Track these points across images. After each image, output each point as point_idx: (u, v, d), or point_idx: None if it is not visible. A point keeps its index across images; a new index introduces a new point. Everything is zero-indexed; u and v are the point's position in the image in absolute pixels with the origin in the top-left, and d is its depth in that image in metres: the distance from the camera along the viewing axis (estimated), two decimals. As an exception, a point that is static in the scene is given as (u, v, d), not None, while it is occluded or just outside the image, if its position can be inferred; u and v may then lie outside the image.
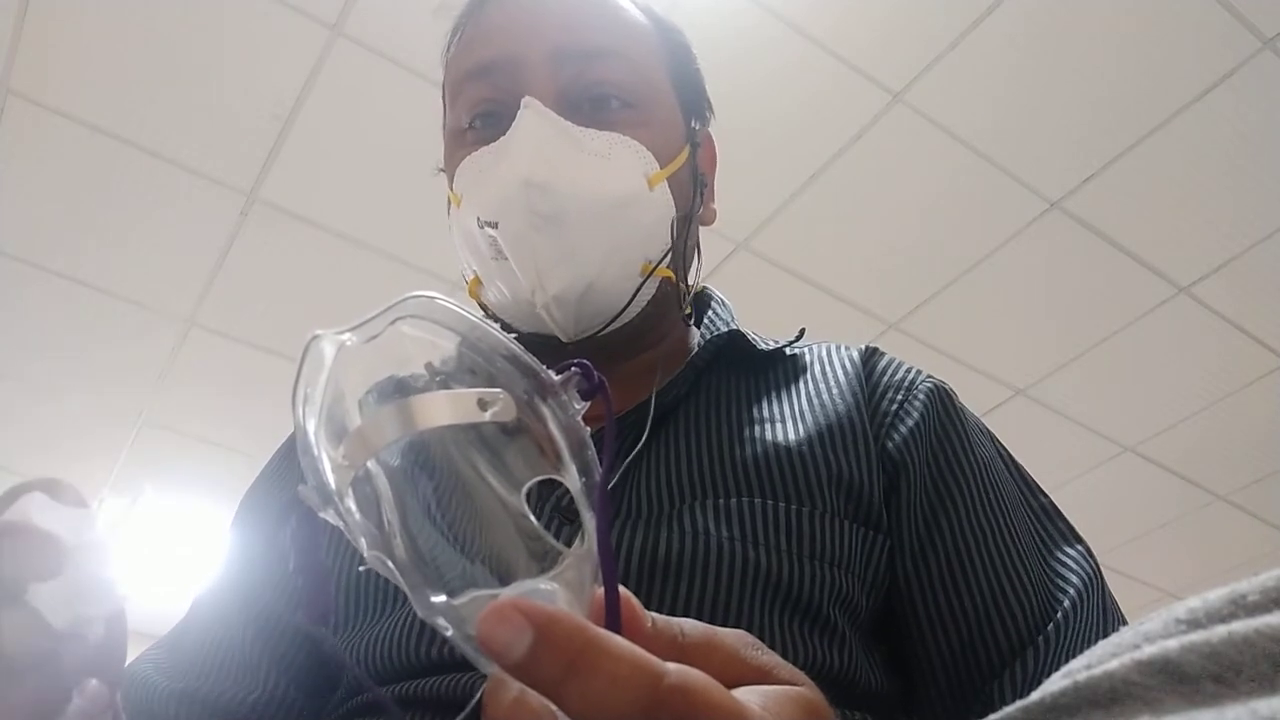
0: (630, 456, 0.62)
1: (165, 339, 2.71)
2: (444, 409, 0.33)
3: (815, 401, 0.67)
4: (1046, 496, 0.69)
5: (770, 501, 0.60)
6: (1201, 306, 2.61)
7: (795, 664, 0.55)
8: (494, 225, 0.66)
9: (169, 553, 3.27)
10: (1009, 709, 0.27)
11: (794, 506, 0.60)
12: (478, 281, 0.72)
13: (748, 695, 0.30)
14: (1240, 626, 0.23)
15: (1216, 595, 0.25)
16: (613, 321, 0.68)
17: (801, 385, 0.69)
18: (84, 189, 2.30)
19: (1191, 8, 1.96)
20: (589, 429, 0.35)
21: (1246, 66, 2.05)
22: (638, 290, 0.68)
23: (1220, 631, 0.23)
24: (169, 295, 2.59)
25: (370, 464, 0.33)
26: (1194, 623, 0.25)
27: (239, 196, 2.34)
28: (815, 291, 2.60)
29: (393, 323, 0.34)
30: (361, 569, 0.31)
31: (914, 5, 1.98)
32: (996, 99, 2.15)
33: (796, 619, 0.57)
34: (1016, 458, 0.71)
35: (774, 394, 0.69)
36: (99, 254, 2.46)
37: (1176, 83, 2.10)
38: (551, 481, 0.35)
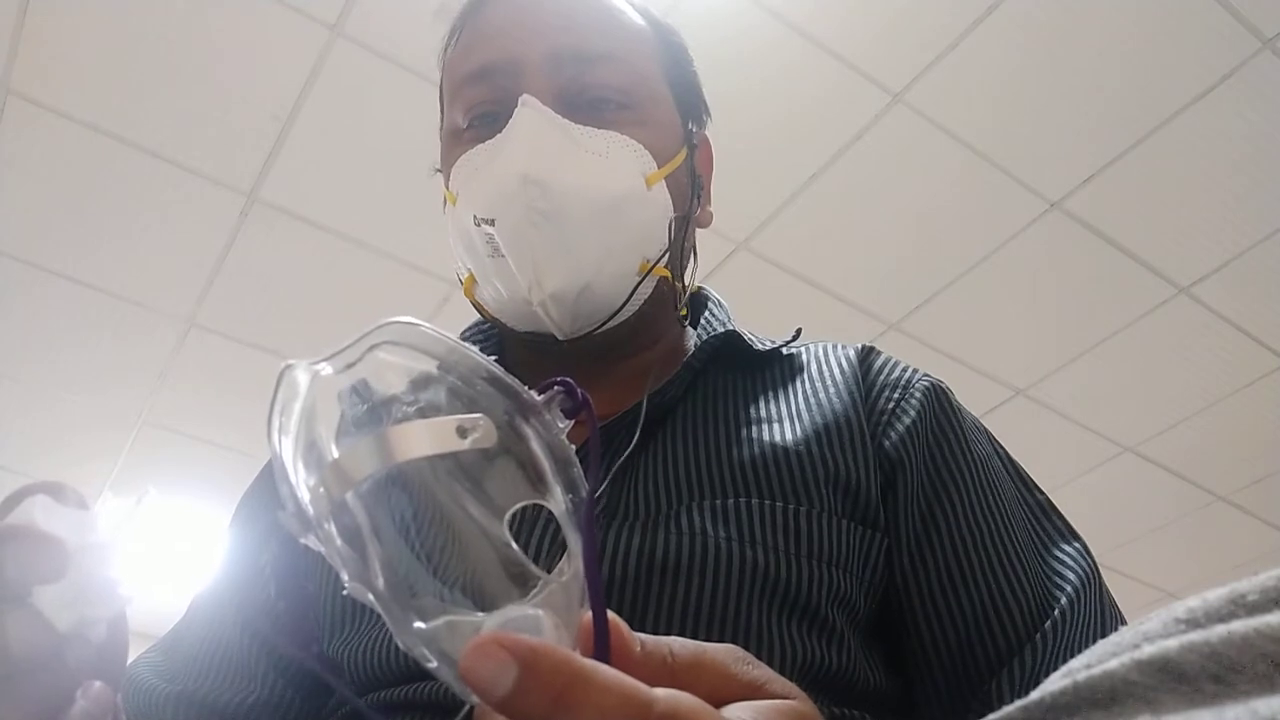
0: (624, 459, 0.62)
1: (165, 339, 2.71)
2: (423, 439, 0.31)
3: (812, 401, 0.67)
4: (1043, 493, 0.69)
5: (768, 501, 0.60)
6: (1201, 306, 2.60)
7: (794, 664, 0.55)
8: (491, 222, 0.66)
9: (169, 553, 3.26)
10: (1009, 708, 0.27)
11: (791, 506, 0.60)
12: (473, 280, 0.71)
13: (739, 712, 0.30)
14: (1240, 626, 0.23)
15: (1216, 595, 0.25)
16: (609, 320, 0.68)
17: (798, 385, 0.69)
18: (84, 189, 2.30)
19: (1191, 8, 1.96)
20: (574, 446, 0.34)
21: (1246, 66, 2.05)
22: (635, 289, 0.68)
23: (1220, 631, 0.23)
24: (169, 295, 2.59)
25: (349, 494, 0.32)
26: (1194, 622, 0.25)
27: (239, 196, 2.34)
28: (815, 291, 2.59)
29: (369, 349, 0.33)
30: (344, 592, 0.31)
31: (914, 5, 1.98)
32: (996, 99, 2.15)
33: (795, 619, 0.57)
34: (1016, 458, 0.71)
35: (771, 394, 0.69)
36: (99, 254, 2.46)
37: (1176, 83, 2.10)
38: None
